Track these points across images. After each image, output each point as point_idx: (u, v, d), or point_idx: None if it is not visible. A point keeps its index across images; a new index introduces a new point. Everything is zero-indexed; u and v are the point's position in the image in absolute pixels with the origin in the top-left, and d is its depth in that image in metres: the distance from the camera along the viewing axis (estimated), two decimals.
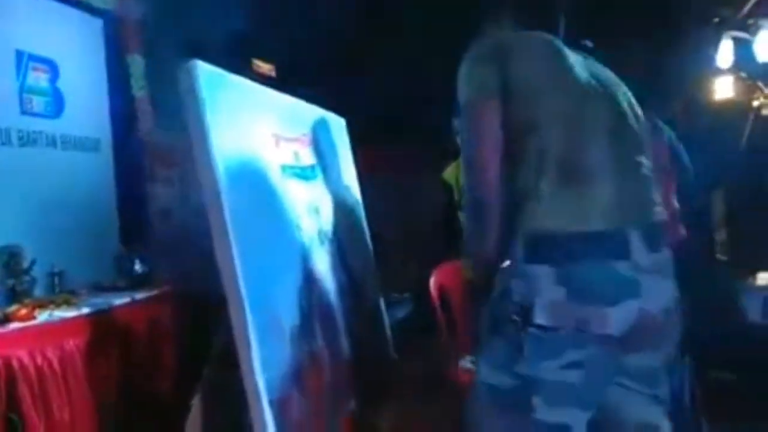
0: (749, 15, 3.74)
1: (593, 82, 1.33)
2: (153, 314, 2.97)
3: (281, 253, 1.50)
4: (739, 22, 3.78)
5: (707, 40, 3.92)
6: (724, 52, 3.66)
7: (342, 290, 1.76)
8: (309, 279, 1.58)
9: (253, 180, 1.44)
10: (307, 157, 1.74)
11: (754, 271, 3.54)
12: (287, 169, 1.62)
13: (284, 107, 1.72)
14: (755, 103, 4.09)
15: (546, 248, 1.22)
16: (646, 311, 1.24)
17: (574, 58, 1.34)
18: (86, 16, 3.56)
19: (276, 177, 1.56)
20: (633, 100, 1.41)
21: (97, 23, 3.64)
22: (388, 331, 2.08)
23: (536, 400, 1.21)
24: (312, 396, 1.44)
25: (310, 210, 1.69)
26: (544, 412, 1.21)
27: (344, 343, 1.66)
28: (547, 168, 1.24)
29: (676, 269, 1.62)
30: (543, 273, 1.21)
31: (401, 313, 2.75)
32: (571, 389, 1.22)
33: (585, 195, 1.24)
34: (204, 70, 1.33)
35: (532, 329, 1.20)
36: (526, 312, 1.20)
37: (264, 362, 1.26)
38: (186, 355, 2.99)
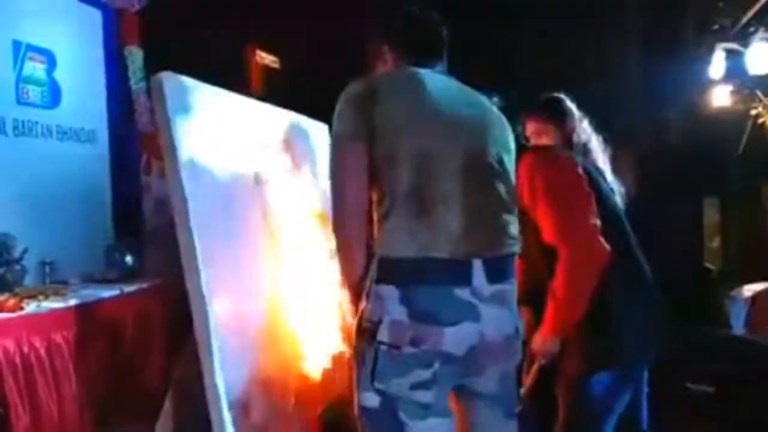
0: (747, 25, 3.73)
1: (456, 117, 1.42)
2: (142, 307, 3.00)
3: (250, 259, 1.53)
4: (736, 32, 3.77)
5: (705, 48, 3.91)
6: (717, 63, 3.67)
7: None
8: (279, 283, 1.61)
9: (223, 188, 1.47)
10: (284, 164, 1.76)
11: (742, 282, 3.54)
12: (262, 176, 1.64)
13: (259, 115, 1.75)
14: (753, 112, 4.07)
15: (393, 271, 1.33)
16: (485, 335, 1.35)
17: (441, 94, 1.43)
18: (85, 7, 3.58)
19: (249, 184, 1.59)
20: (502, 133, 1.51)
21: (96, 15, 3.66)
22: None
23: (402, 416, 1.31)
24: (275, 398, 1.47)
25: (286, 216, 1.72)
26: (413, 426, 1.31)
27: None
28: (399, 199, 1.34)
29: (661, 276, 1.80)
30: (389, 293, 1.31)
31: None
32: (425, 407, 1.32)
33: (434, 225, 1.33)
34: (174, 81, 1.36)
35: (381, 346, 1.31)
36: (376, 329, 1.31)
37: (225, 364, 1.28)
38: (175, 349, 3.01)
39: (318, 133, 2.08)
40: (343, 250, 1.41)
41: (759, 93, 4.00)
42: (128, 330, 2.89)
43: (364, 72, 1.56)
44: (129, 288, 3.01)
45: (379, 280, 1.34)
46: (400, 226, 1.34)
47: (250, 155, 1.62)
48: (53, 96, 3.35)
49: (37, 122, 3.23)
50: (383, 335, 1.30)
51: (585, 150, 1.95)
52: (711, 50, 3.83)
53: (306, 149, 1.91)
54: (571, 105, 2.04)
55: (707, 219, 4.42)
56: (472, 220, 1.36)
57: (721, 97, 4.00)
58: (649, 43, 4.16)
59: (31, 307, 2.50)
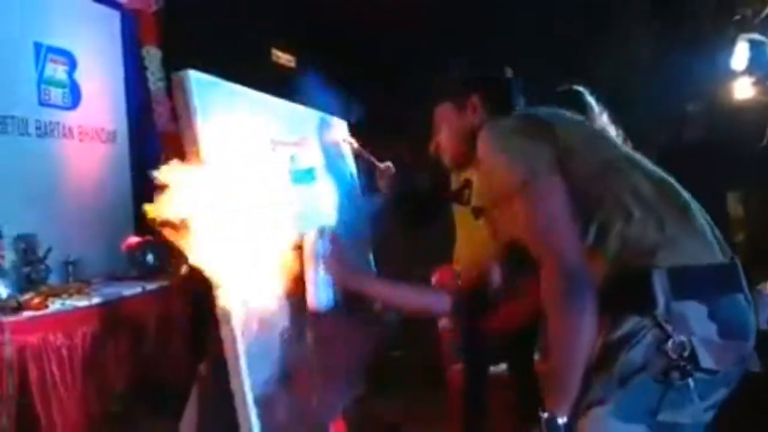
0: None
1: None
2: (163, 305, 3.04)
3: (273, 258, 1.53)
4: (758, 23, 3.70)
5: (726, 39, 3.84)
6: (739, 54, 3.61)
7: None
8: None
9: (246, 185, 1.47)
10: (306, 160, 1.76)
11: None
12: (284, 173, 1.64)
13: (281, 112, 1.75)
14: None
15: (692, 283, 1.15)
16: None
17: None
18: (104, 8, 3.63)
19: (272, 181, 1.58)
20: None
21: (114, 16, 3.70)
22: (390, 328, 2.10)
23: None
24: (300, 397, 1.47)
25: (309, 212, 1.71)
26: None
27: (340, 342, 1.68)
28: (654, 202, 1.19)
29: None
30: (692, 310, 1.14)
31: None
32: (700, 429, 1.18)
33: (696, 227, 1.20)
34: (197, 79, 1.36)
35: (696, 373, 1.11)
36: (687, 355, 1.11)
37: (251, 363, 1.29)
38: (197, 347, 3.03)
39: (339, 129, 2.08)
40: (574, 323, 1.15)
41: None
42: (151, 327, 2.92)
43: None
44: (151, 286, 3.04)
45: (676, 297, 1.13)
46: (678, 234, 1.17)
47: (273, 152, 1.62)
48: (74, 97, 3.39)
49: (58, 123, 3.27)
50: (707, 362, 1.11)
51: None
52: (733, 41, 3.76)
53: (330, 144, 1.91)
54: (590, 98, 2.02)
55: (731, 213, 4.35)
56: (706, 220, 1.23)
57: (743, 88, 3.93)
58: (669, 35, 4.11)
59: (55, 305, 2.54)
